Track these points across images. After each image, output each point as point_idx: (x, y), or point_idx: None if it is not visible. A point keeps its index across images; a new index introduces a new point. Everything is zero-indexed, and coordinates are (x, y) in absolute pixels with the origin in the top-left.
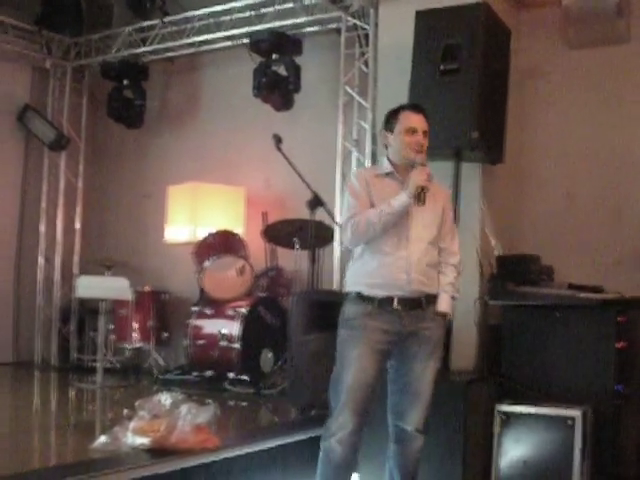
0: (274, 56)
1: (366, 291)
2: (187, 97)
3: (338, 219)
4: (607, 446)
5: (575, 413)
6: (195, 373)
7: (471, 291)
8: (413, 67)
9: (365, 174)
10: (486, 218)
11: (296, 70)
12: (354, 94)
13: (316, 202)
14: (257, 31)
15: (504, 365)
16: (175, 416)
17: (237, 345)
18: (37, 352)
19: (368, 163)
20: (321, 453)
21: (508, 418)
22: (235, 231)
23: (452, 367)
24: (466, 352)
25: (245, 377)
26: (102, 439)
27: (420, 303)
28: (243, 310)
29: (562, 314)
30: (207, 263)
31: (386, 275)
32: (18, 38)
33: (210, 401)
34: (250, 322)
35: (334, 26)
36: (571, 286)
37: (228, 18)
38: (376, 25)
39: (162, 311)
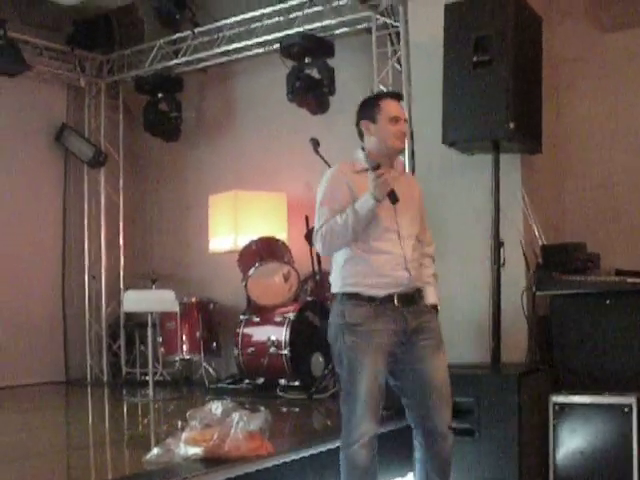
0: (306, 60)
1: (366, 291)
2: (222, 106)
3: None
4: None
5: (630, 400)
6: (247, 381)
7: (518, 283)
8: (445, 61)
9: (344, 172)
10: (528, 208)
11: (329, 72)
12: None
13: None
14: (288, 36)
15: (556, 355)
16: (227, 424)
17: (286, 351)
18: (89, 369)
19: (406, 161)
20: (344, 462)
21: (562, 409)
22: (278, 237)
23: (503, 360)
24: (517, 344)
25: (296, 383)
26: (155, 451)
27: (415, 298)
28: (290, 315)
29: (611, 301)
30: (252, 270)
31: (388, 274)
32: (52, 59)
33: (262, 408)
34: (298, 327)
35: (364, 26)
36: (619, 272)
37: (258, 25)
38: (406, 22)
39: (210, 321)
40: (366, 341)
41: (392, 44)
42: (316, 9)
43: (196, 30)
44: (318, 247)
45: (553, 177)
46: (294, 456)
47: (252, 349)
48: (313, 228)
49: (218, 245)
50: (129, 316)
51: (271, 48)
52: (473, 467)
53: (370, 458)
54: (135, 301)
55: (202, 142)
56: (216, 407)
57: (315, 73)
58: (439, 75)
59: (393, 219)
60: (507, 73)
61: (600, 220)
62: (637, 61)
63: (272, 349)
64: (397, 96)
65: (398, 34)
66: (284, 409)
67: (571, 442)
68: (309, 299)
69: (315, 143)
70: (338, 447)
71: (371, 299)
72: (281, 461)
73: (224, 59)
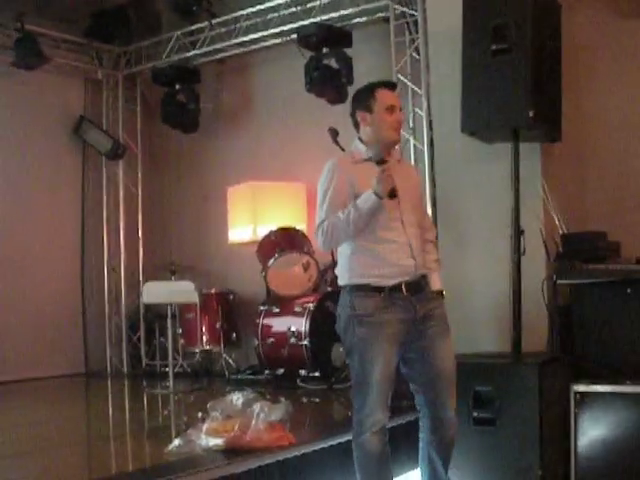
0: (324, 50)
1: (375, 282)
2: (240, 97)
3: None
4: None
5: None
6: (267, 372)
7: (538, 272)
8: (464, 49)
9: (343, 164)
10: (548, 197)
11: (347, 62)
12: (407, 82)
13: None
14: (305, 26)
15: (577, 345)
16: (248, 415)
17: (306, 342)
18: (108, 361)
19: (425, 150)
20: (357, 452)
21: (583, 398)
22: (297, 227)
23: (524, 349)
24: (537, 333)
25: (317, 373)
26: (176, 442)
27: (421, 285)
28: (310, 306)
29: (632, 289)
30: (271, 261)
31: (395, 263)
32: (69, 52)
33: (282, 399)
34: (318, 317)
35: (382, 15)
36: (639, 260)
37: (275, 15)
38: (424, 10)
39: (229, 312)
40: (377, 332)
41: (410, 33)
42: None
43: (213, 21)
44: (319, 242)
45: (573, 165)
46: (315, 446)
47: (272, 340)
48: None
49: (237, 236)
50: (149, 308)
51: (288, 38)
52: (494, 456)
53: (382, 446)
54: (155, 293)
55: (220, 133)
56: (237, 398)
57: (333, 63)
58: (458, 64)
59: (397, 208)
60: (526, 61)
61: (620, 208)
62: None
63: (292, 339)
64: (392, 85)
65: (416, 23)
66: (304, 400)
67: (592, 431)
68: (329, 289)
69: (334, 133)
70: None
71: (380, 289)
72: (302, 452)
73: (241, 50)
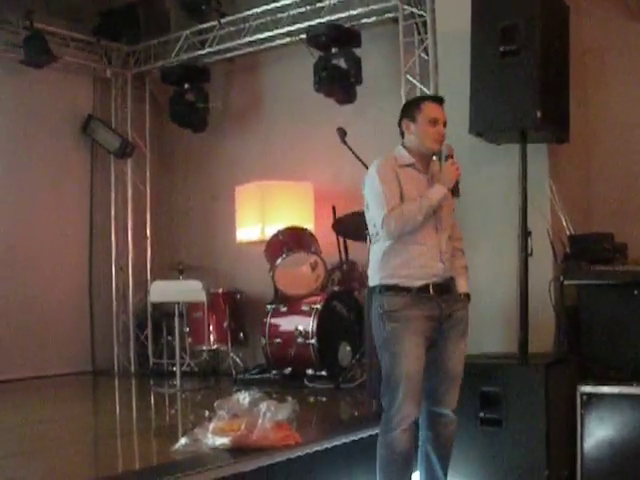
0: (333, 50)
1: (403, 282)
2: (249, 96)
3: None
4: None
5: None
6: (274, 371)
7: (545, 272)
8: (472, 50)
9: (392, 164)
10: (556, 198)
11: (356, 62)
12: (416, 82)
13: None
14: (314, 25)
15: (584, 346)
16: (254, 414)
17: (313, 341)
18: (116, 359)
19: None
20: (383, 449)
21: (590, 399)
22: (305, 227)
23: (531, 350)
24: (544, 334)
25: (324, 373)
26: (182, 441)
27: (449, 287)
28: (318, 305)
29: (639, 291)
30: (279, 260)
31: (424, 265)
32: (78, 50)
33: (289, 398)
34: (325, 317)
35: (391, 15)
36: None
37: (285, 15)
38: (433, 11)
39: (237, 311)
40: (405, 325)
41: (419, 33)
42: None
43: (222, 20)
44: (389, 229)
45: (580, 167)
46: (322, 446)
47: (279, 339)
48: (339, 218)
49: (245, 235)
50: (156, 306)
51: (297, 38)
52: (500, 457)
53: (410, 444)
54: (162, 291)
55: (229, 132)
56: (244, 397)
57: (342, 63)
58: (466, 65)
59: (437, 212)
60: (534, 62)
61: (628, 210)
62: None
63: (299, 339)
64: (439, 100)
65: (425, 23)
66: (311, 399)
67: (599, 432)
68: (336, 289)
69: (342, 133)
70: (366, 437)
71: (408, 289)
72: (309, 451)
73: (250, 49)
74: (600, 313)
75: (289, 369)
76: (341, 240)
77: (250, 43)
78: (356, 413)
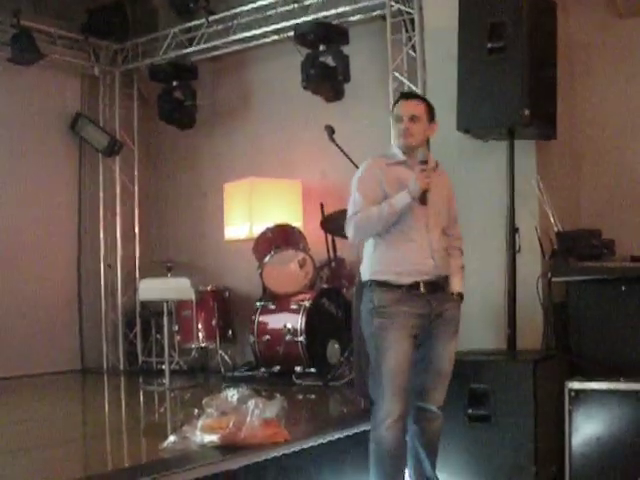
0: (321, 47)
1: (393, 279)
2: (237, 94)
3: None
4: None
5: None
6: (263, 369)
7: (533, 269)
8: (460, 48)
9: (378, 164)
10: (543, 195)
11: (344, 60)
12: (404, 79)
13: None
14: (302, 23)
15: (572, 342)
16: (243, 412)
17: (302, 338)
18: (105, 357)
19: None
20: (372, 445)
21: (578, 395)
22: (293, 224)
23: (519, 346)
24: (532, 330)
25: (312, 370)
26: (171, 439)
27: (441, 286)
28: (306, 303)
29: (627, 287)
30: (267, 258)
31: (414, 262)
32: (66, 48)
33: (278, 395)
34: (314, 314)
35: (379, 13)
36: (634, 258)
37: (273, 12)
38: (421, 8)
39: (225, 309)
40: (392, 321)
41: (407, 31)
42: None
43: (210, 18)
44: (349, 233)
45: (568, 163)
46: (310, 443)
47: (268, 337)
48: (328, 216)
49: (234, 233)
50: (145, 305)
51: (285, 36)
52: (489, 453)
53: (396, 444)
54: (151, 289)
55: (217, 130)
56: (232, 395)
57: (330, 60)
58: (454, 62)
59: (424, 211)
60: (522, 59)
61: (615, 206)
62: None
63: (288, 336)
64: (406, 96)
65: (413, 21)
66: (300, 396)
67: (587, 428)
68: (325, 286)
69: (330, 130)
70: (354, 434)
71: (398, 286)
72: (297, 448)
73: (238, 47)
74: (588, 309)
75: (278, 367)
76: (329, 237)
77: (238, 41)
78: (345, 410)
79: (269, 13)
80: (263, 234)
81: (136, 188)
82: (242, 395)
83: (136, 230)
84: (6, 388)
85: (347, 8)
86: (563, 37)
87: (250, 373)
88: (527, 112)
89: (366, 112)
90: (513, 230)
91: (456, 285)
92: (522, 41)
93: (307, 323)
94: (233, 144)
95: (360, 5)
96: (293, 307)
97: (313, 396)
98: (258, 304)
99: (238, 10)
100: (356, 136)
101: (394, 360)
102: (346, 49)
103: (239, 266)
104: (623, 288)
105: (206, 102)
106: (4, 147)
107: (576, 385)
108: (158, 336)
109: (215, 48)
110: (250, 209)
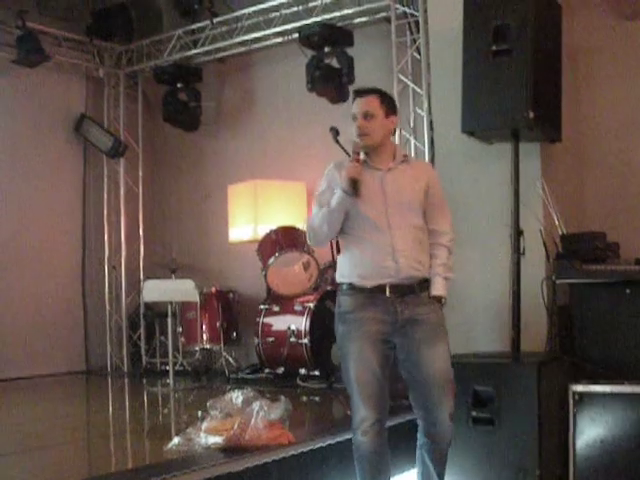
0: (326, 49)
1: (357, 282)
2: (242, 96)
3: None
4: None
5: None
6: (267, 371)
7: (537, 272)
8: (464, 50)
9: (337, 167)
10: (548, 197)
11: (349, 62)
12: (408, 82)
13: None
14: (307, 25)
15: (576, 345)
16: (247, 414)
17: (306, 340)
18: (109, 359)
19: (426, 149)
20: (353, 449)
21: (582, 398)
22: (298, 226)
23: (523, 349)
24: (537, 333)
25: (316, 372)
26: (175, 440)
27: (412, 289)
28: (310, 305)
29: (631, 290)
30: (272, 260)
31: (374, 264)
32: (71, 50)
33: (282, 397)
34: (318, 316)
35: (383, 15)
36: (638, 261)
37: (277, 14)
38: (425, 11)
39: (230, 311)
40: (355, 328)
41: (411, 33)
42: None
43: (215, 20)
44: (308, 239)
45: (573, 166)
46: (314, 445)
47: (272, 338)
48: None
49: (238, 235)
50: (149, 306)
51: (290, 38)
52: (493, 456)
53: (372, 448)
54: (155, 291)
55: (221, 132)
56: (236, 396)
57: (334, 62)
58: (458, 64)
59: (382, 209)
60: (527, 62)
61: (620, 209)
62: None
63: (292, 338)
64: (359, 92)
65: (417, 23)
66: (304, 398)
67: (591, 431)
68: (329, 288)
69: (335, 132)
70: None
71: (361, 289)
72: (301, 450)
73: (243, 49)
74: (592, 312)
75: (282, 368)
76: (333, 240)
77: (242, 43)
78: (349, 412)
79: (273, 15)
80: (267, 236)
81: (140, 190)
82: (246, 397)
83: (140, 231)
84: (11, 389)
85: (352, 10)
86: (568, 39)
87: (254, 375)
88: (532, 114)
89: None
90: (517, 233)
91: (435, 287)
92: (527, 43)
93: (311, 325)
94: (237, 146)
95: (365, 7)
96: (297, 309)
97: (317, 398)
98: (262, 306)
99: (242, 12)
100: None
101: (358, 371)
102: (351, 51)
103: (243, 268)
104: (627, 291)
105: (210, 104)
106: (9, 148)
107: (580, 388)
108: (162, 337)
109: (220, 50)
110: (254, 211)
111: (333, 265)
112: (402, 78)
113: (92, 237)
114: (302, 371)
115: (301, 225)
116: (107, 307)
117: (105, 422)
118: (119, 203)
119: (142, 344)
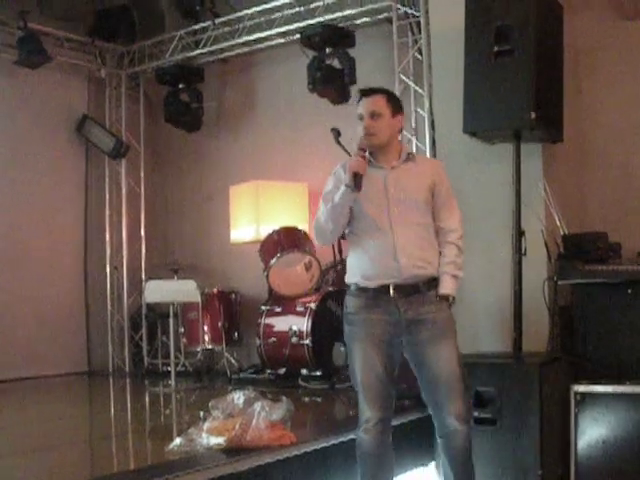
0: (327, 50)
1: (362, 282)
2: (244, 96)
3: None
4: None
5: None
6: (268, 371)
7: (539, 272)
8: (466, 51)
9: (344, 168)
10: (550, 198)
11: (350, 62)
12: (410, 82)
13: None
14: (308, 26)
15: (577, 345)
16: (249, 414)
17: (308, 341)
18: (111, 359)
19: (428, 150)
20: (356, 449)
21: (584, 398)
22: (299, 227)
23: (525, 349)
24: (538, 333)
25: (318, 373)
26: (177, 441)
27: (417, 288)
28: (312, 305)
29: (633, 290)
30: (273, 260)
31: (376, 263)
32: (72, 50)
33: (284, 398)
34: (320, 317)
35: (385, 15)
36: None
37: (279, 15)
38: (427, 11)
39: (231, 311)
40: (359, 329)
41: (413, 34)
42: None
43: (216, 20)
44: (314, 238)
45: (574, 166)
46: (316, 446)
47: (274, 339)
48: None
49: (240, 235)
50: (151, 307)
51: (292, 38)
52: (494, 456)
53: (375, 444)
54: (157, 291)
55: (223, 132)
56: (238, 397)
57: (336, 63)
58: (460, 64)
59: (384, 208)
60: (528, 62)
61: (621, 209)
62: None
63: (294, 339)
64: (364, 92)
65: (419, 23)
66: (306, 399)
67: (592, 431)
68: (331, 289)
69: (336, 133)
70: None
71: (365, 289)
72: (303, 451)
73: (245, 49)
74: (594, 312)
75: (283, 369)
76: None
77: (244, 43)
78: (351, 413)
79: (275, 16)
80: (269, 237)
81: (142, 190)
82: (248, 397)
83: (142, 232)
84: (13, 390)
85: (353, 11)
86: (570, 40)
87: (256, 375)
88: (533, 115)
89: None
90: (519, 233)
91: (442, 286)
92: (529, 44)
93: (313, 326)
94: (239, 146)
95: (366, 8)
96: (299, 309)
97: (319, 399)
98: (264, 307)
99: (244, 13)
100: None
101: (363, 373)
102: (352, 52)
103: (245, 268)
104: (629, 291)
105: (212, 104)
106: (10, 149)
107: (582, 388)
108: (164, 338)
109: (221, 50)
110: (256, 211)
111: (335, 266)
112: (404, 78)
113: (94, 238)
114: (304, 372)
115: (303, 226)
116: (109, 308)
117: (107, 423)
118: (121, 204)
119: (144, 345)
